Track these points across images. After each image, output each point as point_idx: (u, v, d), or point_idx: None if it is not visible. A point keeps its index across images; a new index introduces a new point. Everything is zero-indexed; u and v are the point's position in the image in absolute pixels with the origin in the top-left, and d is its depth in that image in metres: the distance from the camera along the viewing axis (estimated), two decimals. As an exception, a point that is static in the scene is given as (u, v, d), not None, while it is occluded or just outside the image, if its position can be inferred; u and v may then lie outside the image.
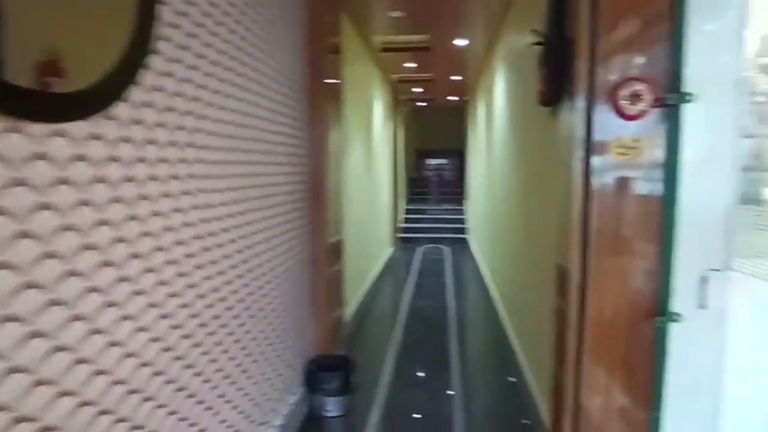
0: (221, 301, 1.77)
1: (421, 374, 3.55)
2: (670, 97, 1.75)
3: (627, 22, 1.77)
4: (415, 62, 6.14)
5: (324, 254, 3.05)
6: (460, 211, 10.77)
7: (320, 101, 2.96)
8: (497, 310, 4.72)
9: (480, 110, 7.10)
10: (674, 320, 1.84)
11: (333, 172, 3.14)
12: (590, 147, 1.81)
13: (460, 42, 5.05)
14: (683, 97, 1.75)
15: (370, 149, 5.87)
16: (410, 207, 11.29)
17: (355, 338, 4.20)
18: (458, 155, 11.91)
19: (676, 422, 1.88)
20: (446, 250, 8.76)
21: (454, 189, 11.91)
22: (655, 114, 1.78)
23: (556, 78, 2.00)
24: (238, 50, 1.88)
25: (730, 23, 1.76)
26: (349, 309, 4.26)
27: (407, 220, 10.64)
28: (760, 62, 2.14)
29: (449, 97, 9.46)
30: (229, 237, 1.82)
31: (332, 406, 2.84)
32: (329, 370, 2.88)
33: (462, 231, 9.97)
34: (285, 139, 2.48)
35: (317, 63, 2.93)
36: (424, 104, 10.90)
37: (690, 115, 1.77)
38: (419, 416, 2.93)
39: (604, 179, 1.82)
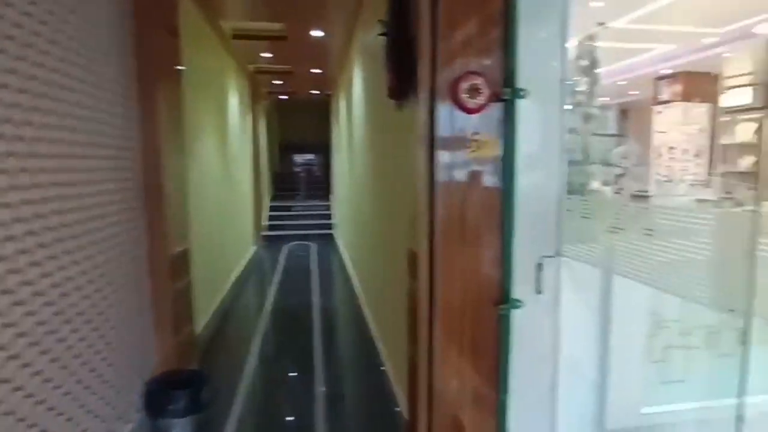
0: (8, 327, 1.41)
1: (286, 376, 3.38)
2: (506, 92, 1.81)
3: (466, 21, 1.80)
4: (272, 52, 5.87)
5: (165, 266, 2.70)
6: (328, 207, 10.70)
7: (154, 90, 2.60)
8: (360, 302, 4.72)
9: (341, 104, 7.06)
10: (517, 306, 1.92)
11: (174, 172, 2.79)
12: (434, 140, 1.81)
13: (317, 33, 4.91)
14: (517, 93, 1.82)
15: (226, 144, 5.46)
16: (277, 204, 10.91)
17: (213, 348, 3.87)
18: (326, 150, 11.83)
19: (520, 402, 1.97)
20: (313, 247, 8.62)
21: (322, 185, 11.81)
22: (493, 109, 1.83)
23: (401, 71, 1.97)
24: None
25: (555, 29, 1.87)
26: (205, 317, 3.91)
27: (273, 218, 10.26)
28: (579, 64, 2.36)
29: (312, 91, 9.30)
30: (16, 247, 1.47)
31: (179, 429, 2.53)
32: (175, 388, 2.57)
33: (329, 227, 9.91)
34: (103, 128, 2.12)
35: (149, 46, 2.56)
36: (286, 97, 10.58)
37: (524, 111, 1.85)
38: (292, 418, 2.79)
39: (448, 171, 1.83)
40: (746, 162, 7.73)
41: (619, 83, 7.62)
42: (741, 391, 1.89)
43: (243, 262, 6.55)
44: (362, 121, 4.44)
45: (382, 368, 3.25)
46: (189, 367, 2.98)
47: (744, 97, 6.99)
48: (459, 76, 1.79)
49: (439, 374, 1.91)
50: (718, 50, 5.79)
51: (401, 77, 1.98)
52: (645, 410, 2.21)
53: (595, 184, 2.66)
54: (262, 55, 6.00)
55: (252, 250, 7.65)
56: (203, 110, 4.23)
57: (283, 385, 3.28)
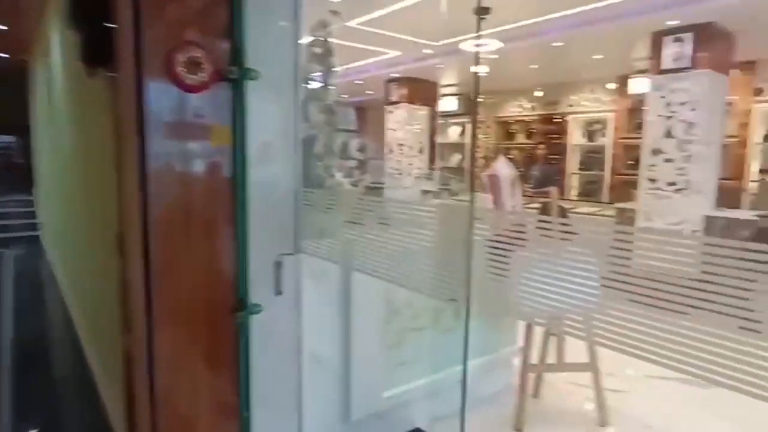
0: None
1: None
2: (233, 71, 1.57)
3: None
4: None
5: None
6: (32, 203, 8.57)
7: None
8: (75, 321, 3.84)
9: (40, 73, 5.65)
10: (256, 312, 1.73)
11: None
12: (143, 119, 1.45)
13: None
14: (247, 73, 1.60)
15: None
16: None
17: None
18: (29, 132, 9.43)
19: (265, 408, 1.81)
20: (8, 255, 6.75)
21: (24, 175, 9.40)
22: (220, 90, 1.57)
23: (93, 29, 1.52)
24: None
25: (288, 13, 1.73)
26: None
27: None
28: (313, 52, 2.28)
29: (-1, 54, 7.21)
30: None
31: None
32: None
33: (34, 227, 7.95)
34: None
35: None
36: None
37: (256, 96, 1.65)
38: None
39: (163, 157, 1.51)
40: (456, 159, 9.34)
41: (356, 82, 8.19)
42: (464, 359, 2.11)
43: None
44: (64, 93, 3.56)
45: (99, 399, 2.65)
46: None
47: (453, 104, 8.37)
48: (175, 45, 1.46)
49: (165, 393, 1.58)
50: (434, 61, 6.69)
51: (94, 36, 1.53)
52: (386, 394, 2.31)
53: (337, 176, 2.65)
54: None
55: None
56: None
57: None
